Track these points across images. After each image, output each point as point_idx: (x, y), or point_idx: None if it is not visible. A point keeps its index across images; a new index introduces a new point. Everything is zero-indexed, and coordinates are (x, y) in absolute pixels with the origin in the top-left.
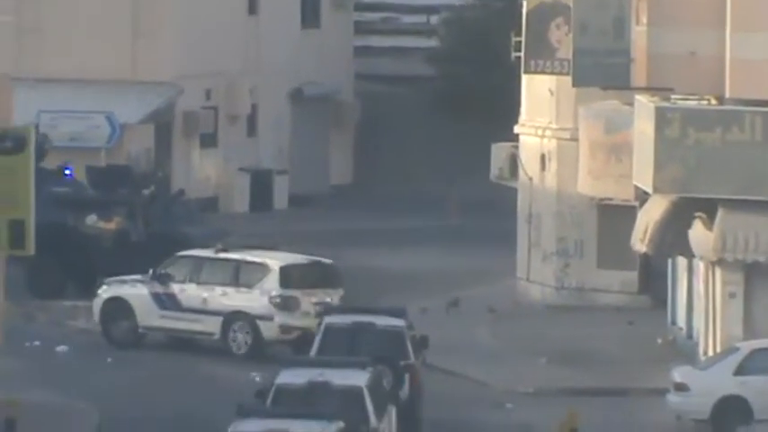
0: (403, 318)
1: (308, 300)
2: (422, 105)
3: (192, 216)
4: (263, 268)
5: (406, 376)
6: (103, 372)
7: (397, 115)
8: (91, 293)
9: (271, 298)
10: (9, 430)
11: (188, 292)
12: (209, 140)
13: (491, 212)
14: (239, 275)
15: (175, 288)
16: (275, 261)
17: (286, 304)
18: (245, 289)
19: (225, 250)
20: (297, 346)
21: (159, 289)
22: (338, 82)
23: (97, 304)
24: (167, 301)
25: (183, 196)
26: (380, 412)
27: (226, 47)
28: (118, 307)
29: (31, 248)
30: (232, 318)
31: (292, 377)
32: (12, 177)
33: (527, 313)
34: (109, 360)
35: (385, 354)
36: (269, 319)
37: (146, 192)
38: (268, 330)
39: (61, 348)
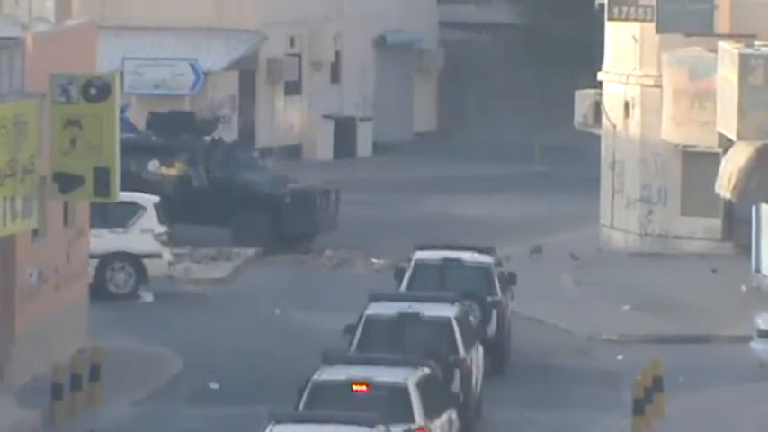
0: (491, 255)
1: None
2: (505, 53)
3: (253, 163)
4: (135, 207)
5: (494, 312)
6: (187, 319)
7: (480, 63)
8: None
9: (156, 235)
10: (94, 376)
11: None
12: (292, 88)
13: (574, 159)
14: (107, 216)
15: None
16: (146, 199)
17: (169, 240)
18: (120, 229)
19: None
20: None
21: None
22: (422, 29)
23: None
24: None
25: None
26: (468, 344)
27: None
28: None
29: (116, 196)
30: (111, 259)
31: (382, 309)
32: (96, 125)
33: (610, 260)
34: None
35: (473, 290)
36: (157, 256)
37: (208, 138)
38: (156, 268)
39: (145, 296)
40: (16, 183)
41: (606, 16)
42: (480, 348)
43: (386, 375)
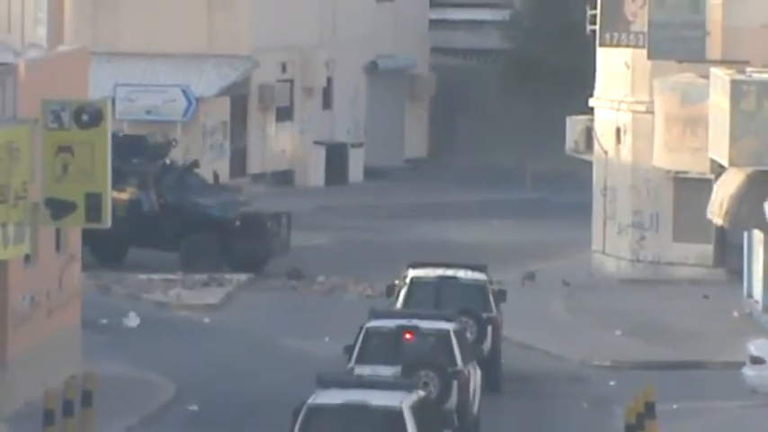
0: (485, 272)
1: None
2: (497, 78)
3: (205, 187)
4: None
5: (489, 328)
6: (179, 345)
7: (472, 88)
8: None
9: None
10: (86, 403)
11: None
12: (284, 113)
13: (566, 185)
14: None
15: None
16: None
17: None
18: None
19: None
20: None
21: None
22: (413, 55)
23: None
24: None
25: (197, 167)
26: (466, 358)
27: (301, 20)
28: None
29: (107, 221)
30: None
31: (382, 322)
32: (88, 151)
33: (602, 286)
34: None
35: (468, 307)
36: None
37: (160, 162)
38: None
39: (131, 320)
40: (8, 209)
41: (598, 42)
42: (478, 370)
43: (380, 399)
